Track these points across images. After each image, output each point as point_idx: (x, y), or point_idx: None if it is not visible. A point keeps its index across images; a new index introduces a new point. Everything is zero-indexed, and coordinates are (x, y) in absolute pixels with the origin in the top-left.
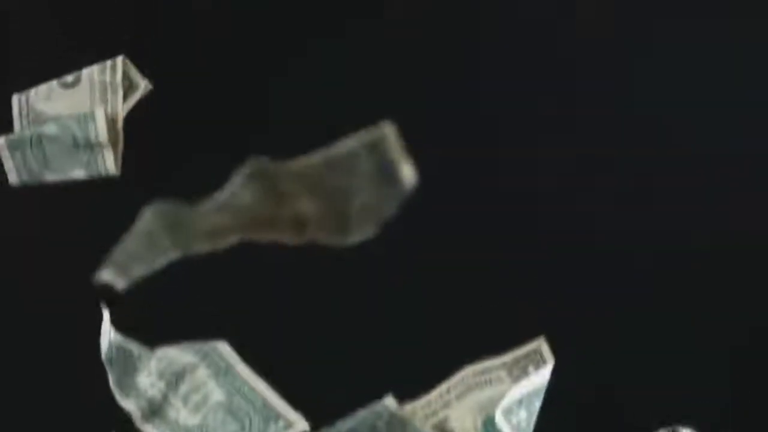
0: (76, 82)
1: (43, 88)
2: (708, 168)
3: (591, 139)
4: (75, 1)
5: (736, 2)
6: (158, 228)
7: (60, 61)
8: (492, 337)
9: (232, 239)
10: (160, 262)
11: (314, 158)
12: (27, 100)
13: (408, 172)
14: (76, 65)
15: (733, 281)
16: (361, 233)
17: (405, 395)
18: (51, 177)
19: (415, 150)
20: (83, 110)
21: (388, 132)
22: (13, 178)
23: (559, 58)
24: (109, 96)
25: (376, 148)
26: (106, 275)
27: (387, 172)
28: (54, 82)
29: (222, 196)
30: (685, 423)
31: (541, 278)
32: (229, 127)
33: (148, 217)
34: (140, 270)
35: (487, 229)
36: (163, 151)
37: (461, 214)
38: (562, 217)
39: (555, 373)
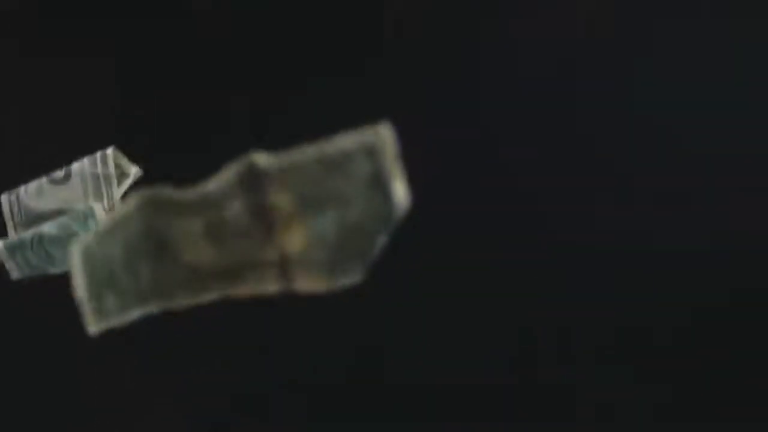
0: (67, 177)
1: (32, 186)
2: (709, 168)
3: (591, 139)
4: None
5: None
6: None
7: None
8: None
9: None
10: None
11: (308, 152)
12: (17, 199)
13: (401, 192)
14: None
15: (733, 281)
16: (347, 272)
17: None
18: (55, 270)
19: (415, 149)
20: (78, 205)
21: (386, 136)
22: (15, 275)
23: (560, 57)
24: (104, 189)
25: (372, 153)
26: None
27: (381, 182)
28: (44, 179)
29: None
30: (686, 422)
31: (541, 278)
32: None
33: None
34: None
35: (487, 228)
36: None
37: (462, 213)
38: (562, 217)
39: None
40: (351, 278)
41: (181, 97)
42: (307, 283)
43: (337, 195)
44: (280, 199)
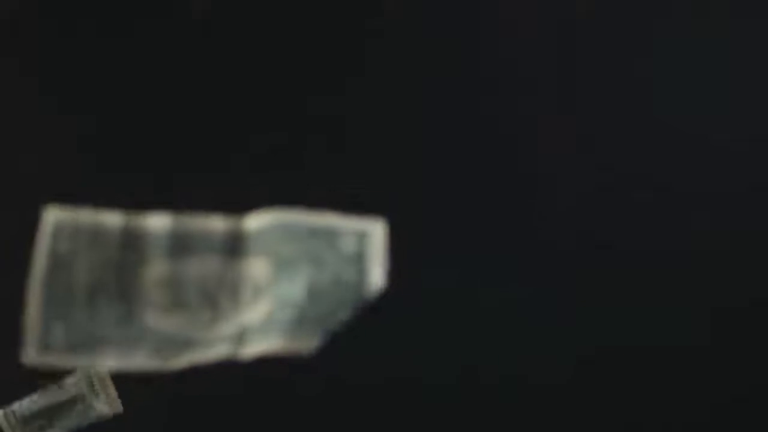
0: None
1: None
2: (709, 167)
3: (593, 138)
4: None
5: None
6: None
7: None
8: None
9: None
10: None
11: (299, 218)
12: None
13: (378, 276)
14: None
15: (734, 281)
16: (304, 337)
17: None
18: None
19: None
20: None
21: (378, 230)
22: None
23: (560, 57)
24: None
25: (363, 237)
26: None
27: (362, 262)
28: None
29: None
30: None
31: (543, 277)
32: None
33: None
34: None
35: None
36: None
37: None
38: (562, 217)
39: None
40: (307, 344)
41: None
42: (260, 347)
43: (313, 258)
44: (257, 267)
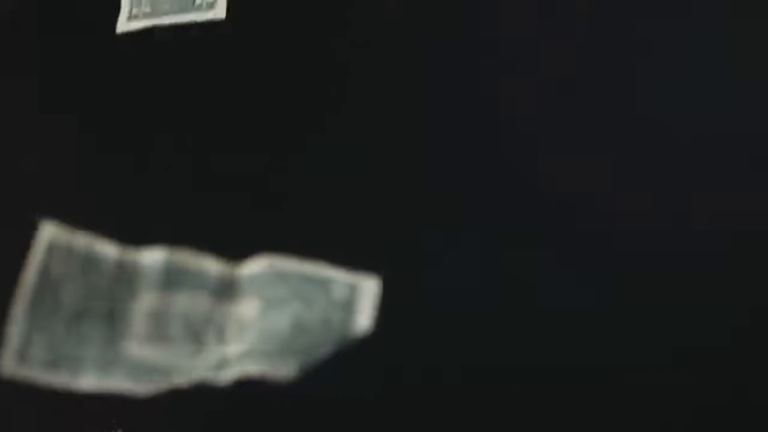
0: None
1: None
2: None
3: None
4: None
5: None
6: None
7: None
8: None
9: None
10: None
11: (295, 266)
12: None
13: (363, 327)
14: None
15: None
16: (283, 366)
17: None
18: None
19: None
20: None
21: (371, 287)
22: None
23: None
24: None
25: (355, 290)
26: None
27: (351, 308)
28: None
29: None
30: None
31: (542, 275)
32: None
33: None
34: None
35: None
36: None
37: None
38: (561, 217)
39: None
40: (284, 372)
41: None
42: (239, 373)
43: (303, 298)
44: (246, 307)
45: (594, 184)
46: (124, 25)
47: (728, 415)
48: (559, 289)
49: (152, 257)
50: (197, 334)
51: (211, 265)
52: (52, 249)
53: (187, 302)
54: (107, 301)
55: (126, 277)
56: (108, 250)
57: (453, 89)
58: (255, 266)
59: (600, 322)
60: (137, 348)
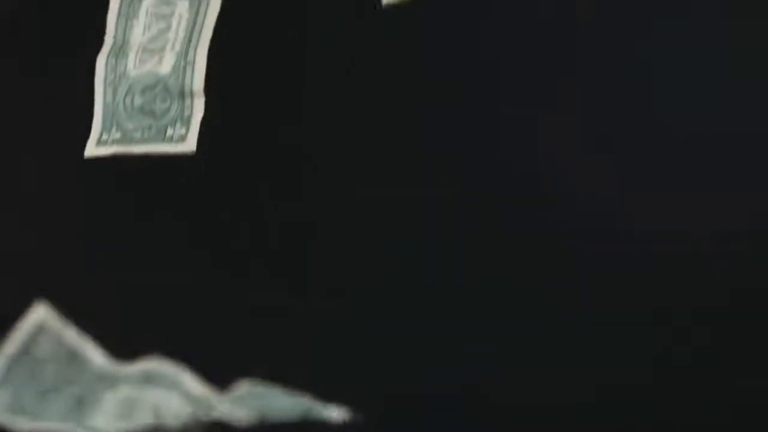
0: None
1: None
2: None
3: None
4: None
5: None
6: None
7: None
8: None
9: None
10: None
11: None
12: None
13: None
14: None
15: (733, 281)
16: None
17: None
18: None
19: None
20: None
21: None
22: None
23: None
24: None
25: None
26: None
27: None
28: None
29: None
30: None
31: (542, 275)
32: None
33: None
34: None
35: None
36: None
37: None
38: (561, 217)
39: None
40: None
41: None
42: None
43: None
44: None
45: (594, 184)
46: (92, 149)
47: (728, 414)
48: (559, 290)
49: (136, 367)
50: (163, 421)
51: (191, 382)
52: (39, 332)
53: (160, 398)
54: (82, 390)
55: (106, 381)
56: (95, 356)
57: (453, 89)
58: (235, 391)
59: (600, 322)
60: (103, 421)
